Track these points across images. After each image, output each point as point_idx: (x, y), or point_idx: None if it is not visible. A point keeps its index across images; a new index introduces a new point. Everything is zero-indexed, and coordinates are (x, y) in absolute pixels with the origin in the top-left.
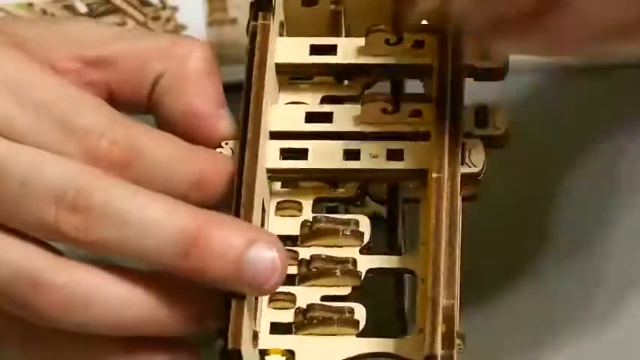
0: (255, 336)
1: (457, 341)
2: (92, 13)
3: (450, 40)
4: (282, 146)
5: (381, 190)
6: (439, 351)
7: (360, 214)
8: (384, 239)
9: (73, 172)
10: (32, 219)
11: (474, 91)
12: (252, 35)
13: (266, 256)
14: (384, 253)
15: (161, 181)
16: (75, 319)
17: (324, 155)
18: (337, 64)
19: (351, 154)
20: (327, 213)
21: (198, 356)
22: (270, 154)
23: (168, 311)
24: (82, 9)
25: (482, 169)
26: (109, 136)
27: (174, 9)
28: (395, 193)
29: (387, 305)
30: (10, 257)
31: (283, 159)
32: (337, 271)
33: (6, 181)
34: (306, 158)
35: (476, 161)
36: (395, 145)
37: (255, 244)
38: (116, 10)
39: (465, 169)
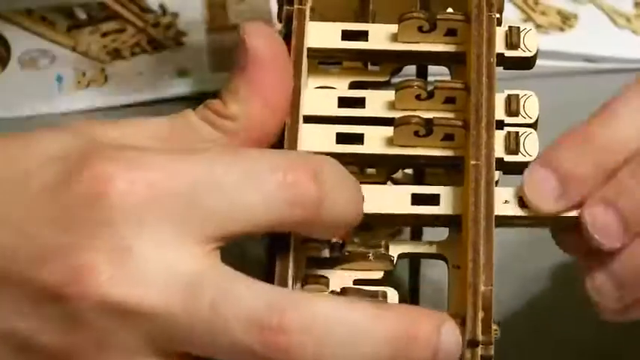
0: None
1: (494, 327)
2: (92, 20)
3: (485, 28)
4: (316, 131)
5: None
6: (480, 336)
7: None
8: None
9: (265, 289)
10: (229, 345)
11: None
12: (288, 20)
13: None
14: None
15: None
16: None
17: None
18: (371, 50)
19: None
20: None
21: None
22: (303, 139)
23: None
24: (82, 15)
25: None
26: None
27: (175, 15)
28: (421, 180)
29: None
30: None
31: (317, 143)
32: (370, 255)
33: (197, 305)
34: (342, 143)
35: (531, 150)
36: None
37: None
38: (116, 16)
39: (519, 158)
